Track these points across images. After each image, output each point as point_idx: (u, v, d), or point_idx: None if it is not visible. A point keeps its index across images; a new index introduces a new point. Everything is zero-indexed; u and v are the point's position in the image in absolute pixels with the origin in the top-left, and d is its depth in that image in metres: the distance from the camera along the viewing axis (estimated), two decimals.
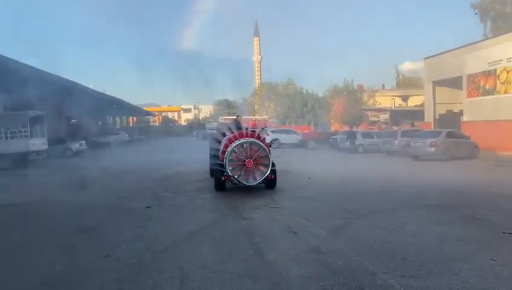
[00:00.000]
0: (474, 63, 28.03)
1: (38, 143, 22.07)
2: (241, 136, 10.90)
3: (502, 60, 25.77)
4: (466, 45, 30.05)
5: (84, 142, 29.79)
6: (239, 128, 12.02)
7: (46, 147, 22.85)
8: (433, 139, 20.70)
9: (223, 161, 10.57)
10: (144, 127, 72.30)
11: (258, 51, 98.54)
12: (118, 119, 61.97)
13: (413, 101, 48.34)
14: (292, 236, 6.49)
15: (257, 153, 10.51)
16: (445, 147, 20.73)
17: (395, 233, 6.60)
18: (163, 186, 12.67)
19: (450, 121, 31.55)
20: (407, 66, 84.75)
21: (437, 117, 33.90)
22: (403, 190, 11.17)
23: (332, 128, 46.75)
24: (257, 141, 10.68)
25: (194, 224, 7.46)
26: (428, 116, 34.29)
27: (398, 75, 66.38)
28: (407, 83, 62.51)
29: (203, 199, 10.35)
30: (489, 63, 26.78)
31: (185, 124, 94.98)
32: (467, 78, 28.95)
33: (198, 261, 5.40)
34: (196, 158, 21.51)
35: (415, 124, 41.05)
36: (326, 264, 5.17)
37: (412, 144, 21.54)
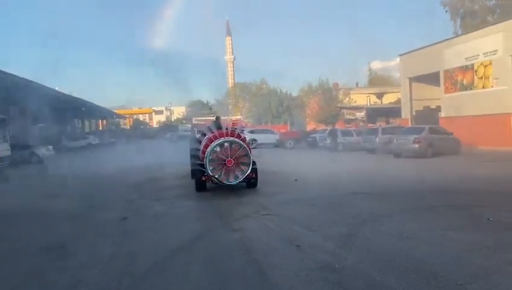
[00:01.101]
0: (451, 58, 27.92)
1: None
2: (221, 135, 10.73)
3: (479, 55, 25.69)
4: (442, 41, 29.92)
5: (51, 147, 28.24)
6: (219, 128, 11.72)
7: (8, 153, 21.24)
8: (416, 136, 20.23)
9: (203, 161, 10.38)
10: (115, 130, 70.21)
11: (231, 50, 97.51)
12: (87, 122, 59.90)
13: (388, 99, 48.39)
14: (295, 250, 5.62)
15: (237, 152, 10.35)
16: (429, 143, 20.32)
17: (410, 241, 5.82)
18: (139, 193, 11.62)
19: (427, 117, 31.40)
20: (376, 65, 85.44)
21: (414, 114, 33.71)
22: (398, 190, 10.49)
23: (309, 128, 46.27)
24: (237, 140, 10.57)
25: (179, 238, 6.50)
26: (405, 113, 34.08)
27: (370, 73, 66.65)
28: (379, 81, 62.81)
29: (184, 206, 9.38)
30: (466, 58, 26.71)
31: (157, 126, 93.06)
32: (444, 73, 28.84)
33: (188, 286, 4.49)
34: (170, 161, 20.51)
35: (390, 121, 41.05)
36: (343, 286, 4.33)
37: (395, 141, 21.05)
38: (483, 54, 25.22)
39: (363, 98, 47.39)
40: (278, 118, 50.59)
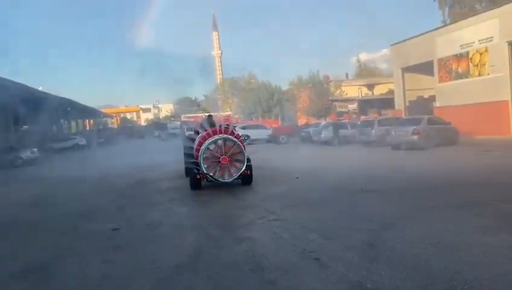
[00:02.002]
0: (445, 46, 27.36)
1: None
2: (215, 133, 10.72)
3: (474, 42, 25.14)
4: (435, 29, 29.38)
5: (36, 149, 27.16)
6: (212, 125, 11.57)
7: None
8: (415, 127, 19.59)
9: (198, 159, 10.33)
10: (102, 130, 68.82)
11: (218, 45, 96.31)
12: (73, 123, 58.49)
13: (379, 90, 47.80)
14: (315, 265, 4.86)
15: (232, 150, 10.29)
16: (427, 134, 19.70)
17: (446, 250, 5.08)
18: (129, 198, 10.79)
19: (421, 107, 30.88)
20: (362, 57, 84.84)
21: (407, 104, 33.17)
22: (408, 186, 9.78)
23: (300, 122, 45.54)
24: (231, 137, 10.55)
25: (178, 252, 5.71)
26: (399, 104, 33.52)
27: (359, 65, 66.08)
28: (368, 73, 62.30)
29: (180, 213, 8.57)
30: (461, 46, 26.15)
31: (145, 124, 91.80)
32: (438, 62, 28.27)
33: None
34: (161, 161, 19.69)
35: (381, 112, 40.47)
36: None
37: (393, 133, 20.41)
38: (479, 41, 24.67)
39: (353, 90, 46.75)
40: (269, 113, 49.79)
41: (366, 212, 7.21)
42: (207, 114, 16.06)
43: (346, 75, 57.41)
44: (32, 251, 6.42)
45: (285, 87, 54.50)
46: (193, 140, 11.90)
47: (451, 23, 29.23)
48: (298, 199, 9.05)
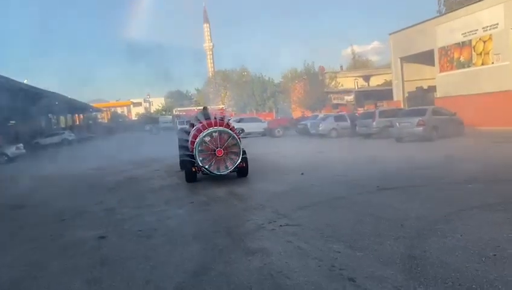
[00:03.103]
0: (446, 34, 26.47)
1: None
2: (210, 125, 10.59)
3: (477, 30, 24.24)
4: (435, 17, 28.46)
5: (21, 145, 25.92)
6: (208, 118, 11.41)
7: None
8: (420, 118, 18.69)
9: (193, 152, 10.26)
10: (92, 124, 67.35)
11: (209, 38, 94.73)
12: (62, 118, 56.94)
13: (374, 81, 46.89)
14: (351, 287, 3.89)
15: (227, 142, 10.24)
16: (433, 125, 18.85)
17: (506, 264, 4.15)
18: (119, 198, 9.75)
19: (421, 98, 30.05)
20: (354, 50, 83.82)
21: (406, 95, 32.30)
22: (429, 182, 8.85)
23: (294, 114, 44.58)
24: (226, 129, 10.46)
25: (179, 269, 4.71)
26: (398, 95, 32.63)
27: (354, 56, 65.16)
28: (361, 65, 61.47)
29: (177, 216, 7.55)
30: (463, 34, 25.25)
31: (136, 118, 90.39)
32: (439, 51, 27.37)
33: None
34: (153, 156, 18.67)
35: (377, 104, 39.60)
36: None
37: (397, 124, 19.50)
38: (483, 28, 23.77)
39: (349, 82, 45.78)
40: (263, 106, 48.72)
41: (392, 216, 6.24)
42: (202, 107, 15.25)
43: (341, 67, 56.50)
44: (5, 268, 5.38)
45: (277, 80, 53.58)
46: (188, 133, 11.74)
47: (452, 11, 28.23)
48: (307, 198, 8.07)
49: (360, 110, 37.06)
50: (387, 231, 5.49)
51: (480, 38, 24.11)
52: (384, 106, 35.78)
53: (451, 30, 25.90)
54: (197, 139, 10.19)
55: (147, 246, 5.76)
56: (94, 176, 14.25)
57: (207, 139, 10.15)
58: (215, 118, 11.09)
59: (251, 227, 6.28)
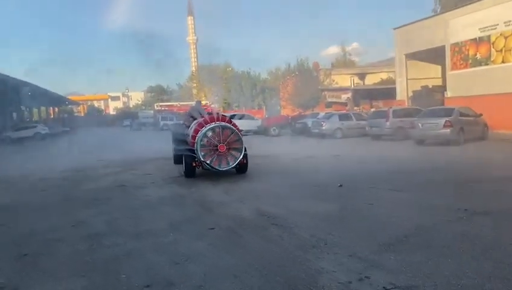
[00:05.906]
0: (461, 29, 24.33)
1: None
2: (212, 120, 10.35)
3: (498, 25, 22.17)
4: (447, 11, 26.37)
5: None
6: (200, 113, 11.47)
7: None
8: (447, 119, 16.44)
9: (194, 147, 10.02)
10: (68, 118, 63.67)
11: (193, 30, 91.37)
12: (35, 110, 53.22)
13: (370, 80, 44.77)
14: None
15: (230, 138, 10.03)
16: (460, 127, 16.66)
17: None
18: (105, 218, 6.98)
19: (426, 98, 27.97)
20: (332, 50, 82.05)
21: (411, 94, 30.17)
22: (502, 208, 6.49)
23: (284, 112, 42.12)
24: (229, 125, 10.30)
25: None
26: (401, 94, 30.47)
27: (344, 54, 63.10)
28: (349, 64, 59.49)
29: (199, 257, 4.89)
30: (480, 29, 23.15)
31: (114, 113, 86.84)
32: (452, 47, 25.25)
33: None
34: (138, 156, 16.04)
35: (373, 103, 37.55)
36: None
37: (419, 125, 17.20)
38: (504, 23, 21.69)
39: (343, 80, 43.51)
40: (252, 102, 46.15)
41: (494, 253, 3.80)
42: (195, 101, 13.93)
43: (332, 64, 54.35)
44: None
45: (264, 75, 51.21)
46: (188, 126, 11.67)
47: (467, 4, 26.10)
48: (379, 227, 5.54)
49: (357, 109, 35.03)
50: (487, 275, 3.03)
51: (501, 34, 22.03)
52: (381, 106, 33.69)
53: (467, 25, 23.79)
54: (198, 134, 9.91)
55: None
56: (70, 180, 11.44)
57: (210, 134, 9.90)
58: (217, 113, 11.00)
59: (333, 287, 3.72)
